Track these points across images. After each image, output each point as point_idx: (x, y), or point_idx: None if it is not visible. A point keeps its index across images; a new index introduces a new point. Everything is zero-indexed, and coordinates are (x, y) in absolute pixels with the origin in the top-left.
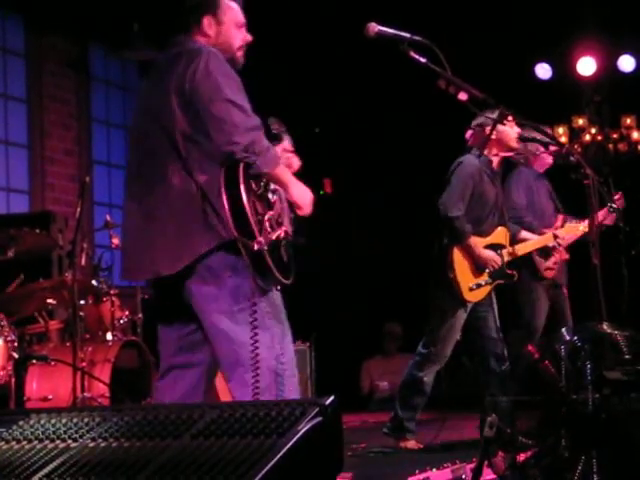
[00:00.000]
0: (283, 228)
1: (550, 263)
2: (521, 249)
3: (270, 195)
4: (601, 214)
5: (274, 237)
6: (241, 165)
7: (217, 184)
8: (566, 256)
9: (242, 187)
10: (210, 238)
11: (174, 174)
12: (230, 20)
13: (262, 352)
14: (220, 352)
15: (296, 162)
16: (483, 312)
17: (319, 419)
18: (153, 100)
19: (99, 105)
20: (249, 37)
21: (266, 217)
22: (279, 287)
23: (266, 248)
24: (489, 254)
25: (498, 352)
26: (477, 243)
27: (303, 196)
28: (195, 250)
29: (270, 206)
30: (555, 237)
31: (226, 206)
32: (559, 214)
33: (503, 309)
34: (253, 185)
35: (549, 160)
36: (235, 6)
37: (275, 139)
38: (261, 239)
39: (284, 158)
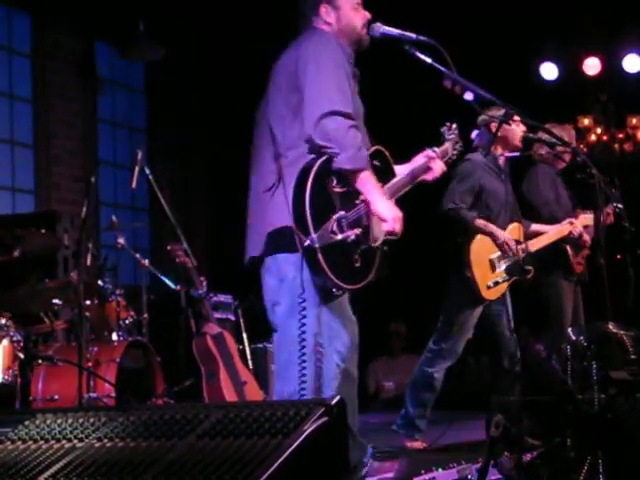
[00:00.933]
0: (355, 231)
1: (579, 258)
2: (535, 244)
3: (357, 200)
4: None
5: (338, 238)
6: (323, 158)
7: (295, 172)
8: (587, 252)
9: (310, 179)
10: (275, 221)
11: (265, 158)
12: (346, 3)
13: (307, 355)
14: (274, 344)
15: (437, 167)
16: (497, 310)
17: (325, 419)
18: (270, 88)
19: (105, 105)
20: (368, 15)
21: (335, 216)
22: (335, 290)
23: (318, 246)
24: (503, 232)
25: (512, 351)
26: (486, 223)
27: (386, 210)
28: (265, 229)
29: (348, 206)
30: (570, 229)
31: (290, 196)
32: (577, 210)
33: (527, 308)
34: (334, 181)
35: (565, 159)
36: None
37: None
38: (314, 236)
39: (426, 160)
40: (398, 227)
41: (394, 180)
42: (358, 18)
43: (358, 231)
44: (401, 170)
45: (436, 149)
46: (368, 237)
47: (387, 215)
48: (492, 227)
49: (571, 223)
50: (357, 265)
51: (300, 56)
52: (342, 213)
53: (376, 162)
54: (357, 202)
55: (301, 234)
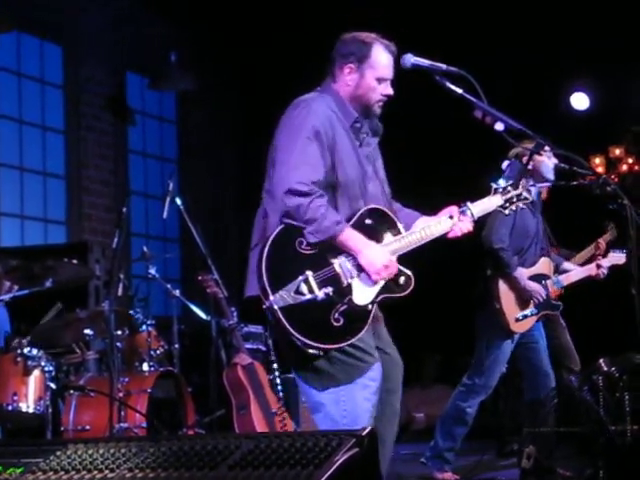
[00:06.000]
0: (324, 290)
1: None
2: (565, 280)
3: (333, 259)
4: None
5: (304, 298)
6: (284, 225)
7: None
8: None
9: (268, 243)
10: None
11: (259, 219)
12: (371, 74)
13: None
14: None
15: (460, 228)
16: (533, 343)
17: (356, 450)
18: None
19: (136, 136)
20: (390, 91)
21: (301, 277)
22: (312, 350)
23: (277, 307)
24: (534, 286)
25: (549, 385)
26: (523, 274)
27: (371, 264)
28: (250, 290)
29: (320, 266)
30: (598, 267)
31: (254, 262)
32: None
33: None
34: (303, 243)
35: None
36: (386, 60)
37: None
38: (272, 298)
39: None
40: (385, 274)
41: (398, 236)
42: (377, 92)
43: (329, 290)
44: (417, 224)
45: (469, 204)
46: (347, 296)
47: (371, 266)
48: (525, 281)
49: (598, 266)
50: (337, 324)
51: (279, 126)
52: (309, 273)
53: (368, 221)
54: (332, 261)
55: (263, 298)
